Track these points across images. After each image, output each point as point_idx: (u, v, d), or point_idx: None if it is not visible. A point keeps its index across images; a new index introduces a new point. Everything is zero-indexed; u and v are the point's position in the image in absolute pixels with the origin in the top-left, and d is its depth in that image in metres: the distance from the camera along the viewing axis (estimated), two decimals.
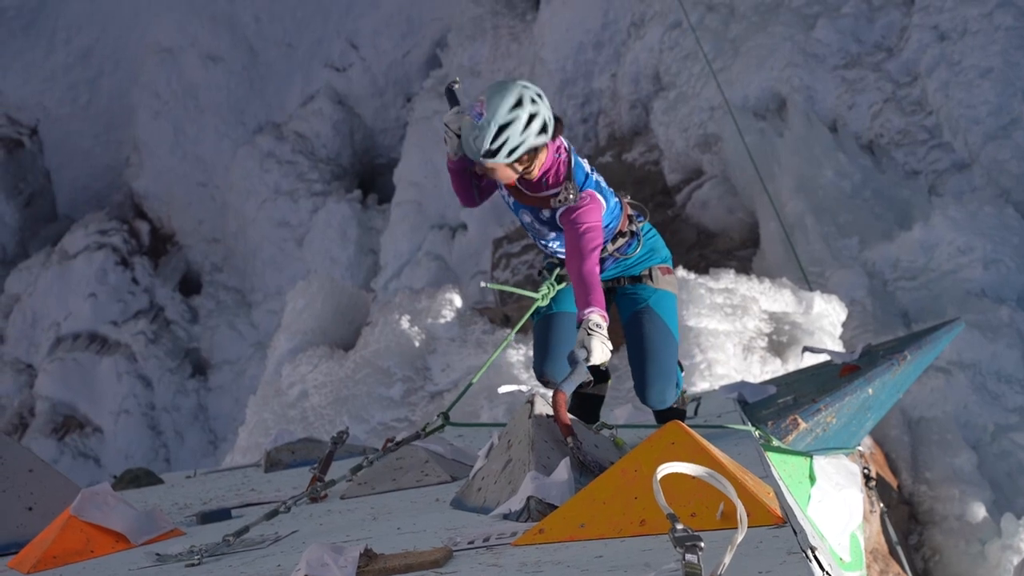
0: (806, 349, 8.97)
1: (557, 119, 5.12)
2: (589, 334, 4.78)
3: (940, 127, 18.57)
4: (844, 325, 14.16)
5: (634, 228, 5.53)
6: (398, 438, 6.18)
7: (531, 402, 4.81)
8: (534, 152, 5.05)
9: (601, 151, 22.88)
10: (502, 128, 4.93)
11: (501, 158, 5.00)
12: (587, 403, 5.85)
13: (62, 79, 32.30)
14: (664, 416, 5.77)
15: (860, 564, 5.43)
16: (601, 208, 5.21)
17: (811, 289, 14.60)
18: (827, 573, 3.21)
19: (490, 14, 26.80)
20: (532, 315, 5.71)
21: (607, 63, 23.57)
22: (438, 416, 5.73)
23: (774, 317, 14.23)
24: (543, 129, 5.00)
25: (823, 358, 8.52)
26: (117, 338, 27.63)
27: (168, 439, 26.94)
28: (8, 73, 32.29)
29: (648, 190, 20.94)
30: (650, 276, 5.58)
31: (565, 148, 5.22)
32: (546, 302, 5.60)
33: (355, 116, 30.32)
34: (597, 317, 4.83)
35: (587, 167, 5.32)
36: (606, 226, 5.35)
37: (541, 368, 5.55)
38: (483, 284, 5.94)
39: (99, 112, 32.26)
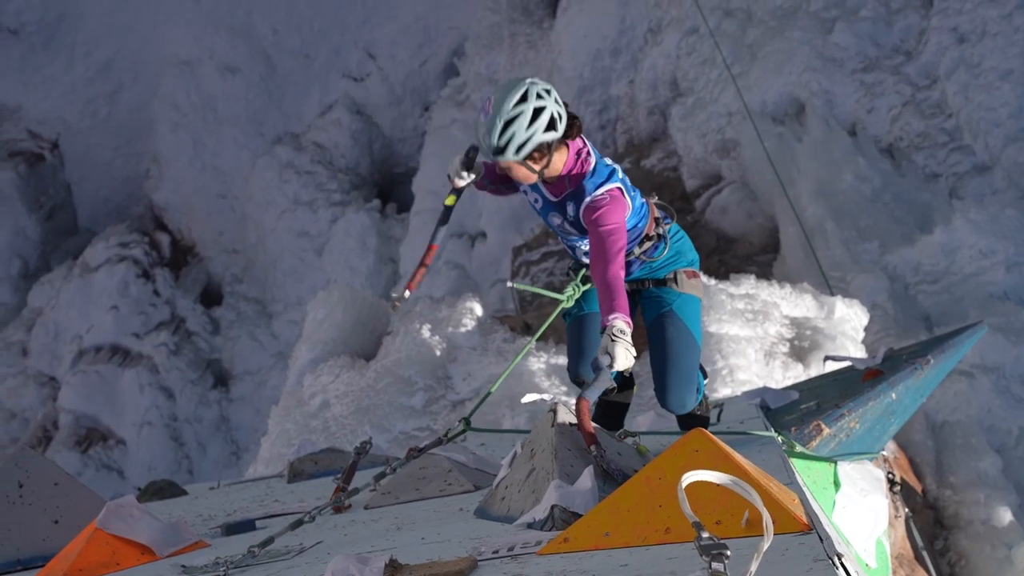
0: (828, 358, 8.94)
1: (573, 117, 5.08)
2: (613, 340, 4.76)
3: (960, 130, 18.50)
4: (866, 329, 14.11)
5: (660, 231, 5.49)
6: (421, 447, 6.18)
7: (554, 411, 4.80)
8: (547, 148, 5.01)
9: (619, 158, 22.86)
10: (508, 124, 4.89)
11: (510, 155, 4.97)
12: (612, 410, 5.83)
13: (82, 93, 32.47)
14: (687, 422, 5.75)
15: (886, 570, 5.40)
16: (625, 208, 5.16)
17: (832, 294, 14.56)
18: None
19: (507, 22, 26.83)
20: (563, 316, 5.69)
21: (624, 70, 23.57)
22: (460, 422, 5.73)
23: (795, 322, 14.18)
24: (551, 125, 4.96)
25: (845, 364, 8.49)
26: (139, 350, 27.73)
27: (191, 450, 27.02)
28: (28, 88, 32.48)
29: (667, 196, 20.91)
30: (675, 280, 5.54)
31: (588, 151, 5.18)
32: (571, 303, 5.57)
33: (373, 125, 30.39)
34: (621, 323, 4.80)
35: (611, 165, 5.27)
36: (632, 227, 5.32)
37: (576, 370, 5.54)
38: (509, 284, 5.91)
39: (119, 125, 32.42)
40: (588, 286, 5.55)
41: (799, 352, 13.85)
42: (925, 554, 10.36)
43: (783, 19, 20.66)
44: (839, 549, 3.32)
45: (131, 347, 27.87)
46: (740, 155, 20.03)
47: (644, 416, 7.49)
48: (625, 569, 3.37)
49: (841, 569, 3.10)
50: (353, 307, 18.53)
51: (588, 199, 5.07)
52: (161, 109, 31.49)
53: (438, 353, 15.60)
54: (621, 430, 5.48)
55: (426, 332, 15.88)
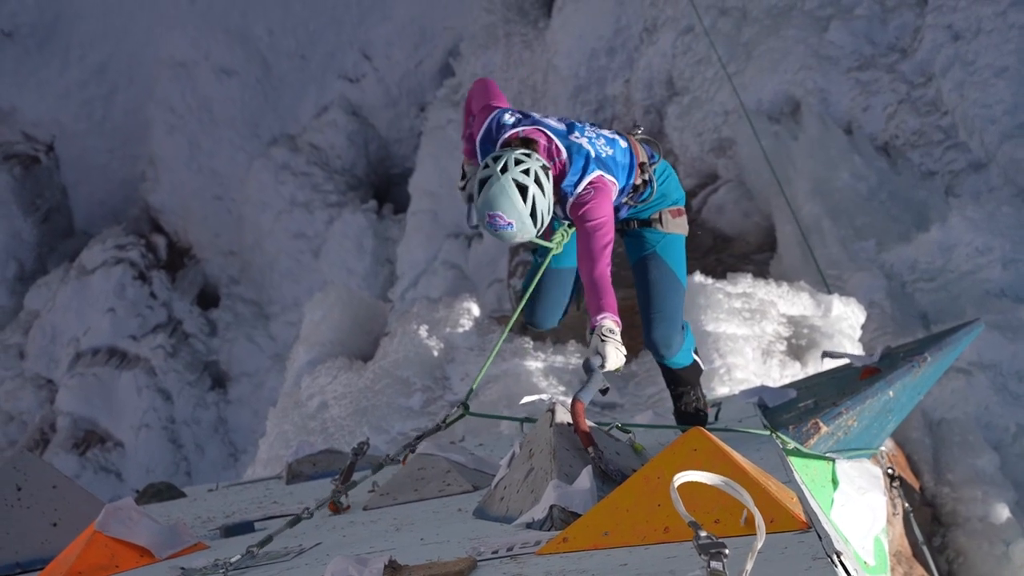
0: (825, 354, 8.96)
1: (530, 140, 5.12)
2: (603, 340, 4.76)
3: (956, 127, 18.52)
4: (863, 328, 14.13)
5: (647, 176, 5.49)
6: (420, 448, 6.18)
7: (552, 411, 4.81)
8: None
9: None
10: (532, 214, 4.96)
11: (547, 221, 5.10)
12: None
13: (77, 95, 32.44)
14: (674, 376, 5.78)
15: (885, 568, 5.41)
16: (611, 193, 5.17)
17: (829, 292, 14.57)
18: None
19: (502, 22, 26.83)
20: (535, 258, 5.74)
21: (620, 69, 23.58)
22: (458, 407, 5.74)
23: (792, 321, 14.20)
24: (545, 170, 5.00)
25: (843, 361, 8.50)
26: (136, 352, 27.71)
27: (189, 452, 27.00)
28: (23, 90, 32.45)
29: None
30: (660, 220, 5.56)
31: (556, 145, 5.17)
32: (560, 249, 5.59)
33: (369, 127, 30.38)
34: (610, 323, 4.81)
35: (586, 145, 5.23)
36: (622, 189, 5.34)
37: (532, 315, 5.64)
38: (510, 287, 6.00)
39: (114, 127, 32.39)
40: (573, 230, 5.53)
41: (796, 350, 13.86)
42: (925, 549, 10.37)
43: (778, 17, 20.67)
44: (838, 547, 3.33)
45: (128, 349, 27.85)
46: (736, 154, 20.04)
47: (643, 415, 7.51)
48: (624, 568, 3.38)
49: (840, 567, 3.11)
50: (350, 308, 18.55)
51: (571, 199, 5.11)
52: (157, 111, 31.47)
53: (436, 354, 15.61)
54: (614, 423, 5.49)
55: (423, 333, 15.89)
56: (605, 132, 5.42)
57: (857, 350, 12.97)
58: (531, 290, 5.72)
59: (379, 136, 30.36)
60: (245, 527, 5.65)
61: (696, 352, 5.97)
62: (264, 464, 15.49)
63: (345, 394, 15.73)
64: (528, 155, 4.97)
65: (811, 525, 3.50)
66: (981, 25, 18.69)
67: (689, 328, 5.85)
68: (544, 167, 4.98)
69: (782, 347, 13.86)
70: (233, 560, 4.41)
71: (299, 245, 28.61)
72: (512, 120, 5.26)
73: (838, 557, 3.16)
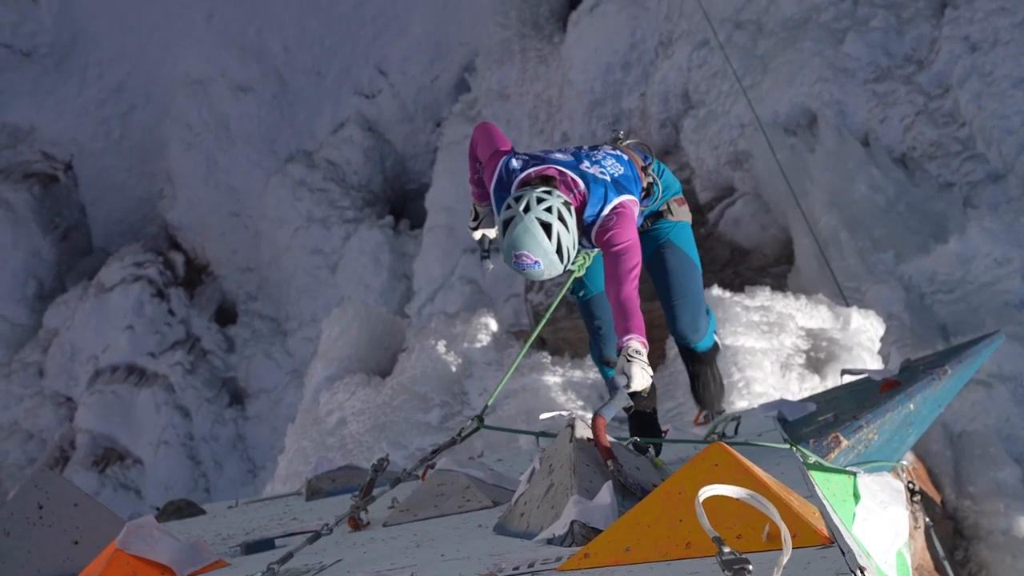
0: (844, 372, 8.92)
1: (548, 179, 5.14)
2: (629, 360, 4.78)
3: (973, 138, 18.47)
4: (882, 340, 14.07)
5: (651, 178, 5.56)
6: (439, 464, 6.17)
7: (571, 426, 4.80)
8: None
9: None
10: (559, 251, 4.99)
11: (574, 256, 5.16)
12: (643, 419, 5.90)
13: (95, 114, 32.61)
14: (696, 357, 5.81)
15: None
16: (633, 214, 5.22)
17: (848, 305, 14.52)
18: None
19: (517, 37, 26.88)
20: (575, 297, 5.77)
21: (636, 83, 23.59)
22: (472, 420, 5.76)
23: (811, 334, 14.16)
24: (567, 207, 5.04)
25: (862, 377, 8.46)
26: (155, 369, 27.78)
27: (207, 469, 27.04)
28: (42, 109, 32.63)
29: None
30: (669, 210, 5.63)
31: (571, 177, 5.21)
32: (583, 271, 5.62)
33: (385, 142, 30.44)
34: (637, 344, 4.83)
35: (599, 173, 5.26)
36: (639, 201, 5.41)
37: (600, 352, 5.64)
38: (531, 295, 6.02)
39: (132, 145, 32.54)
40: (596, 251, 5.56)
41: (815, 364, 13.81)
42: (947, 564, 10.30)
43: (794, 30, 20.66)
44: (861, 562, 3.31)
45: (147, 366, 27.93)
46: (753, 167, 20.01)
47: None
48: None
49: None
50: (368, 324, 18.56)
51: (596, 227, 5.14)
52: (174, 129, 31.60)
53: (454, 369, 15.61)
54: (631, 439, 5.48)
55: (441, 348, 15.89)
56: (607, 150, 5.45)
57: (876, 363, 12.94)
58: (588, 328, 5.76)
59: (395, 152, 30.42)
60: (265, 544, 5.64)
61: (715, 332, 6.05)
62: (283, 480, 15.50)
63: (363, 410, 15.73)
64: (549, 192, 5.02)
65: (834, 540, 3.48)
66: (998, 36, 18.65)
67: (711, 310, 5.91)
68: (566, 203, 5.02)
69: (801, 360, 13.81)
70: None
71: (316, 261, 28.67)
72: (519, 164, 5.32)
73: (862, 572, 3.14)
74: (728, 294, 14.62)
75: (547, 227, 4.94)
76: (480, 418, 5.76)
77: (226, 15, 32.02)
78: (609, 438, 4.74)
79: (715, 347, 6.02)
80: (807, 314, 14.28)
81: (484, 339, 16.21)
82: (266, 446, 26.36)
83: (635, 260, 5.04)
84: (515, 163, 5.34)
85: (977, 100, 18.38)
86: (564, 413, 5.38)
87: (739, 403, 12.25)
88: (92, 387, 27.62)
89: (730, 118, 20.63)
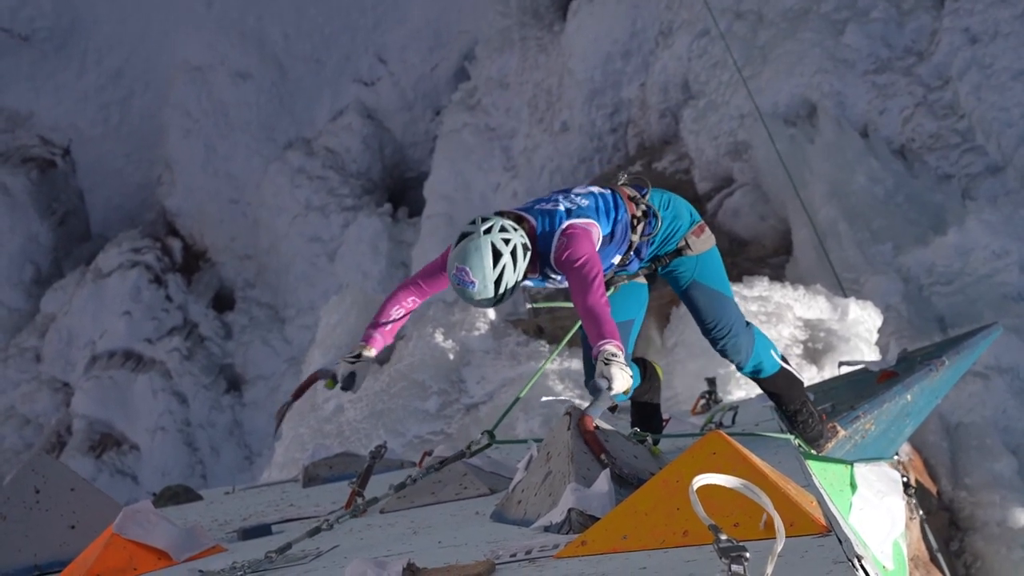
0: (842, 363, 8.92)
1: (520, 218, 5.16)
2: (607, 363, 4.76)
3: (973, 130, 18.47)
4: (880, 331, 14.09)
5: (644, 208, 5.50)
6: (436, 452, 6.17)
7: (569, 414, 4.79)
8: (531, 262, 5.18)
9: (631, 160, 22.85)
10: (498, 282, 5.01)
11: (510, 296, 5.14)
12: (645, 410, 5.88)
13: (94, 99, 32.57)
14: (764, 385, 5.86)
15: (903, 572, 5.39)
16: (589, 233, 5.20)
17: (846, 295, 14.53)
18: None
19: (517, 25, 26.84)
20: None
21: (636, 73, 23.56)
22: (483, 434, 5.74)
23: (809, 324, 14.17)
24: (524, 249, 5.06)
25: (859, 367, 8.46)
26: (152, 355, 27.79)
27: (204, 455, 27.06)
28: (40, 95, 32.58)
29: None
30: (688, 245, 5.59)
31: (527, 219, 5.23)
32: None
33: (384, 130, 30.42)
34: (611, 347, 4.82)
35: (551, 207, 5.30)
36: (611, 232, 5.33)
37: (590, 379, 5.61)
38: (528, 306, 5.96)
39: (131, 131, 32.51)
40: (611, 291, 5.57)
41: (813, 354, 13.83)
42: (940, 556, 10.32)
43: (794, 21, 20.64)
44: (858, 551, 3.31)
45: (144, 352, 27.93)
46: (752, 157, 20.00)
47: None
48: (644, 572, 3.37)
49: (861, 571, 3.09)
50: (366, 311, 18.53)
51: (553, 254, 5.15)
52: (173, 115, 31.57)
53: (451, 357, 15.61)
54: (633, 431, 5.47)
55: (439, 336, 15.90)
56: (580, 190, 5.44)
57: (873, 354, 12.95)
58: (585, 357, 5.74)
59: (394, 140, 30.40)
60: (262, 530, 5.64)
61: (785, 360, 5.94)
62: (280, 467, 15.51)
63: (361, 397, 15.74)
64: (515, 229, 5.04)
65: (831, 529, 3.48)
66: (999, 28, 18.64)
67: (757, 329, 5.85)
68: (525, 246, 5.05)
69: (798, 350, 13.82)
70: (251, 563, 4.42)
71: (314, 248, 28.67)
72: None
73: (859, 561, 3.14)
74: None
75: (497, 255, 4.98)
76: (491, 433, 5.77)
77: (226, 2, 31.97)
78: (604, 425, 4.73)
79: (787, 376, 5.88)
80: (805, 304, 14.29)
81: (482, 327, 16.21)
82: (263, 433, 26.39)
83: (595, 270, 5.05)
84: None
85: (977, 92, 18.38)
86: (563, 399, 5.37)
87: (736, 393, 12.26)
88: (89, 372, 27.63)
89: (730, 108, 20.62)
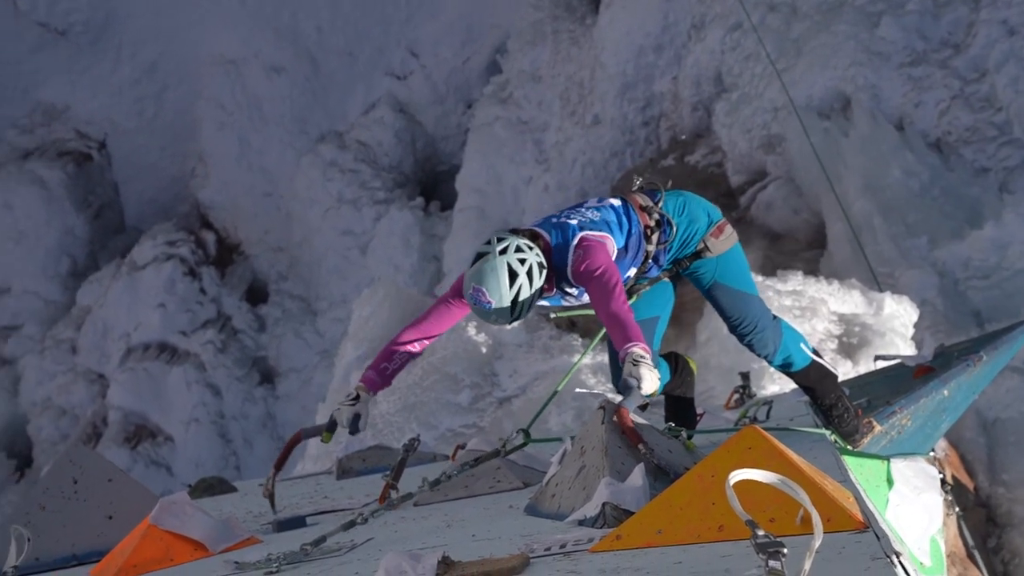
0: (878, 357, 8.87)
1: (535, 235, 5.17)
2: (635, 364, 4.76)
3: (1010, 123, 18.31)
4: (915, 326, 14.00)
5: (657, 216, 5.48)
6: (469, 445, 6.17)
7: (603, 407, 4.78)
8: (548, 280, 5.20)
9: (663, 154, 22.79)
10: (515, 302, 5.06)
11: (528, 314, 5.19)
12: (679, 404, 5.89)
13: (128, 93, 32.76)
14: (796, 378, 5.87)
15: (941, 568, 5.35)
16: (603, 244, 5.20)
17: (881, 290, 14.45)
18: None
19: (550, 19, 26.80)
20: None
21: (668, 66, 23.49)
22: (518, 432, 5.75)
23: (843, 319, 14.10)
24: (540, 268, 5.08)
25: (895, 362, 8.41)
26: (186, 348, 27.96)
27: (237, 447, 27.21)
28: (76, 88, 32.81)
29: (711, 192, 20.83)
30: (707, 247, 5.57)
31: (541, 236, 5.23)
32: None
33: (416, 124, 30.46)
34: (638, 350, 4.81)
35: (563, 220, 5.29)
36: (624, 245, 5.32)
37: (617, 380, 5.60)
38: (552, 316, 5.97)
39: (165, 125, 32.69)
40: (634, 299, 5.56)
41: (848, 349, 13.75)
42: (976, 553, 10.25)
43: (828, 13, 20.51)
44: (896, 548, 3.29)
45: (178, 345, 28.10)
46: (786, 150, 19.91)
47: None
48: (679, 567, 3.36)
49: (899, 567, 3.07)
50: (398, 304, 18.61)
51: (569, 269, 5.16)
52: (207, 109, 31.72)
53: (484, 350, 15.62)
54: (667, 425, 5.46)
55: (472, 330, 15.91)
56: (593, 203, 5.44)
57: (909, 348, 12.87)
58: (611, 358, 5.74)
59: (426, 133, 30.44)
60: (297, 522, 5.66)
61: (818, 353, 5.93)
62: (313, 460, 15.58)
63: (394, 390, 15.78)
64: (531, 247, 5.05)
65: (869, 525, 3.46)
66: None
67: (785, 322, 5.84)
68: (540, 264, 5.06)
69: (833, 345, 13.76)
70: (286, 555, 4.43)
71: (347, 242, 28.75)
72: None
73: (897, 558, 3.12)
74: (760, 278, 14.56)
75: (513, 275, 5.01)
76: (527, 432, 5.78)
77: None
78: (639, 420, 4.72)
79: (820, 369, 5.87)
80: (840, 299, 14.22)
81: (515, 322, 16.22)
82: (295, 425, 26.42)
83: (614, 278, 5.05)
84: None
85: (1015, 85, 18.22)
86: (597, 392, 5.37)
87: (771, 387, 12.20)
88: (124, 364, 27.82)
89: (763, 101, 20.53)
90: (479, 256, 5.09)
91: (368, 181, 29.19)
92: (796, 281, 14.50)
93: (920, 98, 19.12)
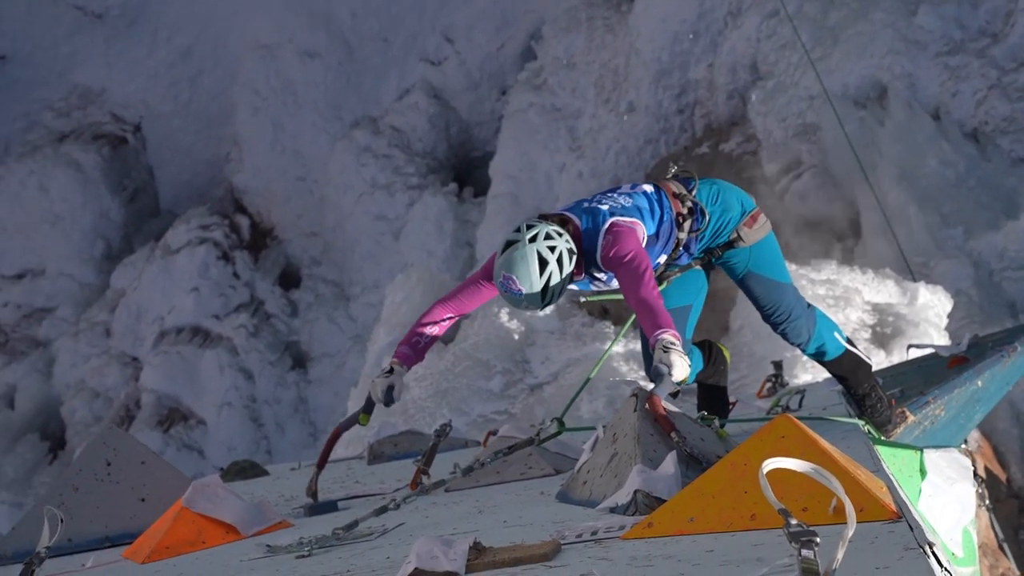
0: (911, 346, 8.81)
1: (564, 220, 5.16)
2: (666, 351, 4.76)
3: None
4: (950, 316, 13.93)
5: (690, 204, 5.45)
6: (500, 432, 6.19)
7: (636, 395, 4.78)
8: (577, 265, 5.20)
9: (698, 142, 22.71)
10: (544, 291, 5.05)
11: (559, 299, 5.22)
12: (713, 393, 5.88)
13: (164, 77, 32.91)
14: (830, 368, 5.86)
15: (973, 559, 5.31)
16: (633, 231, 5.19)
17: (915, 280, 14.37)
18: (945, 570, 3.15)
19: (585, 5, 26.73)
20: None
21: (703, 53, 23.38)
22: (552, 421, 5.76)
23: (877, 308, 14.03)
24: (570, 254, 5.08)
25: (929, 351, 8.35)
26: (219, 331, 28.10)
27: (269, 431, 27.34)
28: (112, 71, 32.98)
29: (745, 180, 20.75)
30: (740, 237, 5.56)
31: (571, 219, 5.22)
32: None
33: (450, 110, 30.45)
34: (669, 336, 4.81)
35: (594, 206, 5.28)
36: (656, 232, 5.31)
37: (649, 372, 5.61)
38: (583, 299, 5.99)
39: (200, 109, 32.81)
40: (664, 285, 5.55)
41: (881, 338, 13.69)
42: (1005, 546, 10.19)
43: (865, 1, 20.38)
44: (929, 538, 3.27)
45: (211, 328, 28.25)
46: (821, 139, 19.80)
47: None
48: (711, 555, 3.36)
49: (932, 558, 3.06)
50: (431, 290, 18.64)
51: (598, 254, 5.15)
52: (241, 93, 31.82)
53: (516, 337, 15.64)
54: (700, 413, 5.45)
55: (504, 316, 15.92)
56: (622, 189, 5.42)
57: (943, 339, 12.79)
58: (644, 347, 5.74)
59: (460, 119, 30.43)
60: (329, 506, 5.69)
61: (852, 343, 5.89)
62: (345, 444, 15.61)
63: (426, 375, 15.82)
64: (560, 234, 5.04)
65: (902, 515, 3.45)
66: None
67: (819, 311, 5.83)
68: (570, 250, 5.06)
69: (867, 335, 13.70)
70: (318, 539, 4.46)
71: (380, 227, 28.79)
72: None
73: (930, 548, 3.10)
74: (794, 267, 14.50)
75: (543, 263, 5.02)
76: (560, 420, 5.80)
77: None
78: (671, 408, 4.72)
79: (853, 358, 5.83)
80: (874, 288, 14.16)
81: (547, 307, 16.22)
82: (328, 410, 26.59)
83: (644, 264, 5.05)
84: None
85: None
86: (628, 380, 5.38)
87: (803, 377, 12.17)
88: (157, 348, 27.99)
89: (798, 90, 20.41)
90: (508, 244, 5.09)
91: (402, 167, 29.22)
92: (830, 270, 14.44)
93: (957, 87, 18.97)
